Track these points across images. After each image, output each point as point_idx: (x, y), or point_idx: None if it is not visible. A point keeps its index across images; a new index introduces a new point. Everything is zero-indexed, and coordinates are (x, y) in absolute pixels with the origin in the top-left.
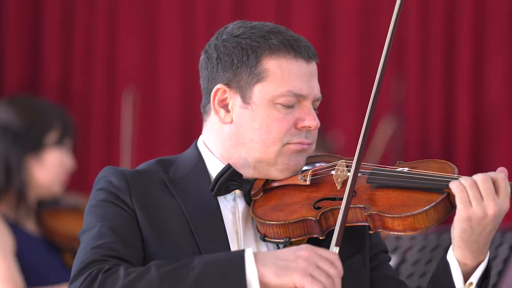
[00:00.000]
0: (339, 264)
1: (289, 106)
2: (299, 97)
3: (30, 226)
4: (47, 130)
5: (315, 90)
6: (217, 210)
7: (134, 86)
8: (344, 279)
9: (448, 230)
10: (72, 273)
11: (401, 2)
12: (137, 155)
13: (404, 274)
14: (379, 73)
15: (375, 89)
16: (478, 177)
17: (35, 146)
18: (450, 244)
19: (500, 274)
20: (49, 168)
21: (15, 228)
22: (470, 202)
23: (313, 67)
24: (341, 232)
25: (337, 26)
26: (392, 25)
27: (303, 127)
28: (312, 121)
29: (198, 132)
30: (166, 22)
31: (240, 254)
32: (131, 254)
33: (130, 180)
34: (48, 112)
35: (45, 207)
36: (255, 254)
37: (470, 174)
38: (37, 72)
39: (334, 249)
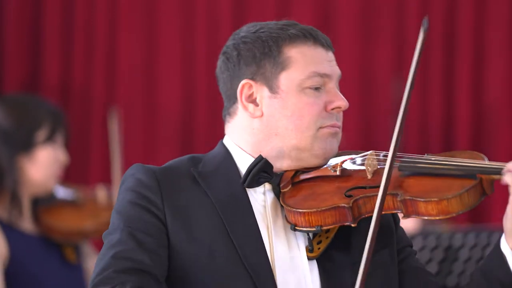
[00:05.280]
0: None
1: (317, 89)
2: (324, 77)
3: (27, 225)
4: (36, 128)
5: (337, 70)
6: (247, 203)
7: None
8: (371, 274)
9: (447, 231)
10: (91, 283)
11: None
12: (137, 155)
13: None
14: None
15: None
16: None
17: (26, 145)
18: (449, 244)
19: None
20: (42, 166)
21: (10, 230)
22: None
23: (331, 55)
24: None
25: (337, 26)
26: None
27: (333, 108)
28: (341, 101)
29: (198, 132)
30: (166, 22)
31: None
32: (154, 263)
33: (159, 177)
34: (36, 109)
35: (41, 204)
36: None
37: None
38: (37, 72)
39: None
